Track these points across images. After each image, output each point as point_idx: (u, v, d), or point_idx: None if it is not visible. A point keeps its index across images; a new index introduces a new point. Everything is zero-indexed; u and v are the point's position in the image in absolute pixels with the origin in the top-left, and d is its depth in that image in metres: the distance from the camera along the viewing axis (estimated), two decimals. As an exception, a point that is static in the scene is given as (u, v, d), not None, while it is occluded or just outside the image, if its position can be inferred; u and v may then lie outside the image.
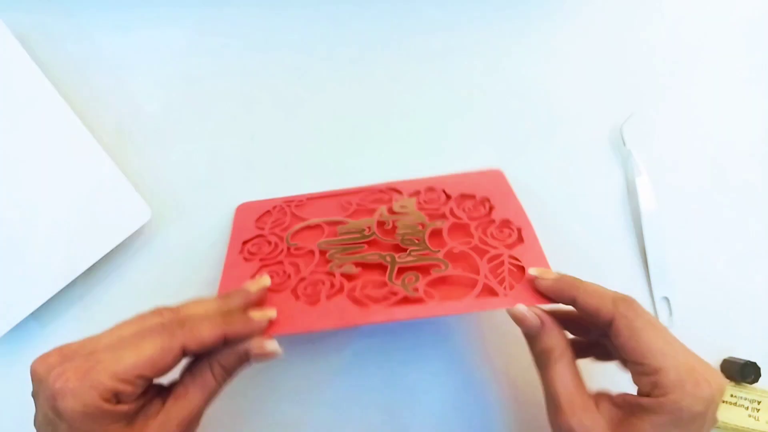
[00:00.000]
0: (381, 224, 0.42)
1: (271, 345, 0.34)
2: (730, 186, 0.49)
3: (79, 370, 0.29)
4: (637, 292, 0.46)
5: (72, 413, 0.28)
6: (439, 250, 0.39)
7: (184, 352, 0.31)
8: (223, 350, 0.33)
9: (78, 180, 0.45)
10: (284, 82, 0.50)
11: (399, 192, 0.46)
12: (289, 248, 0.41)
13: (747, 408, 0.45)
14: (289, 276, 0.39)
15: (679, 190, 0.48)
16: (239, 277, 0.39)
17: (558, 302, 0.35)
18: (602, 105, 0.50)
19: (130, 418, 0.31)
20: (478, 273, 0.37)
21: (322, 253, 0.40)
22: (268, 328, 0.35)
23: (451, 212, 0.43)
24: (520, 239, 0.40)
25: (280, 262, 0.40)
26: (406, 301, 0.36)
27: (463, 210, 0.43)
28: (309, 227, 0.43)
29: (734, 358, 0.46)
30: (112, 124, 0.48)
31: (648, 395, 0.31)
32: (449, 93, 0.50)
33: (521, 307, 0.35)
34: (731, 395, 0.45)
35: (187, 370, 0.33)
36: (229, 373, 0.34)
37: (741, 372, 0.44)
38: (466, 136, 0.49)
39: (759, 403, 0.45)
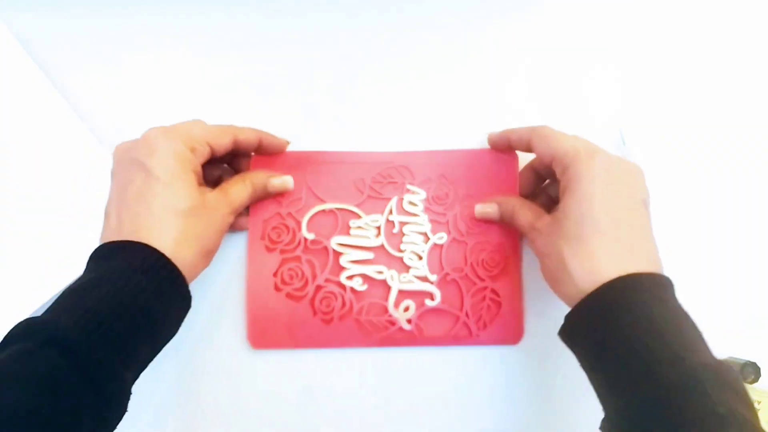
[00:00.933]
0: (390, 225, 0.47)
1: (290, 182, 0.46)
2: (730, 185, 0.50)
3: (167, 130, 0.41)
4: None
5: (164, 151, 0.39)
6: (435, 276, 0.46)
7: (234, 141, 0.43)
8: (256, 171, 0.45)
9: (77, 181, 0.45)
10: (296, 79, 0.50)
11: (412, 175, 0.47)
12: (306, 240, 0.46)
13: None
14: (307, 279, 0.46)
15: (679, 190, 0.49)
16: (264, 271, 0.46)
17: (501, 145, 0.46)
18: (602, 104, 0.50)
19: (198, 177, 0.42)
20: (461, 309, 0.46)
21: (336, 254, 0.46)
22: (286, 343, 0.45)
23: (455, 222, 0.47)
24: (506, 270, 0.47)
25: (298, 258, 0.46)
26: (400, 330, 0.46)
27: (466, 222, 0.47)
28: (324, 212, 0.47)
29: (734, 358, 0.46)
30: (113, 124, 0.48)
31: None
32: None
33: (479, 208, 0.46)
34: None
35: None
36: (255, 190, 0.45)
37: (741, 372, 0.45)
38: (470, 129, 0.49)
39: (759, 403, 0.45)
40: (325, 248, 0.46)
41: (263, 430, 0.46)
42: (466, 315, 0.46)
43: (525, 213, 0.44)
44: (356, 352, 0.46)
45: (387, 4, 0.51)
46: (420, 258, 0.47)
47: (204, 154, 0.42)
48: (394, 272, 0.46)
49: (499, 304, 0.46)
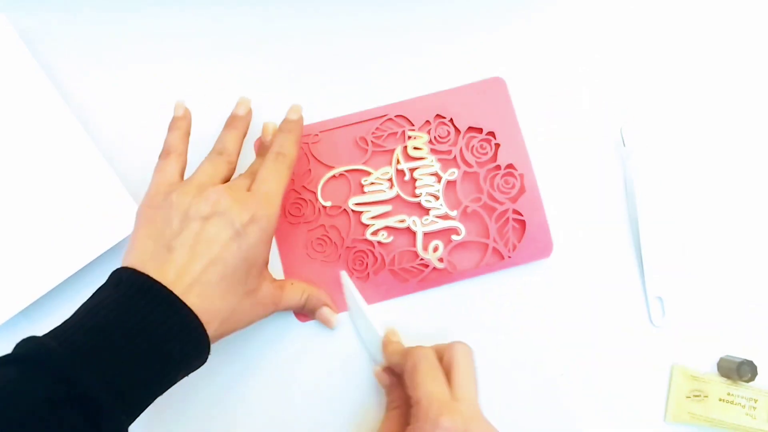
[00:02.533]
0: (401, 174, 0.48)
1: (335, 321, 0.46)
2: (728, 186, 0.50)
3: (263, 201, 0.40)
4: (631, 291, 0.48)
5: (266, 225, 0.39)
6: (455, 211, 0.47)
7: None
8: (318, 289, 0.46)
9: (72, 181, 0.45)
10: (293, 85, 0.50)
11: (410, 122, 0.48)
12: (324, 208, 0.47)
13: (744, 406, 0.46)
14: (335, 244, 0.47)
15: (677, 191, 0.49)
16: (294, 246, 0.47)
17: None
18: (602, 104, 0.50)
19: None
20: (488, 236, 0.47)
21: (356, 214, 0.47)
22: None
23: (462, 156, 0.48)
24: (523, 189, 0.47)
25: (322, 226, 0.47)
26: (435, 271, 0.47)
27: (472, 153, 0.48)
28: (334, 177, 0.48)
29: (731, 356, 0.47)
30: (113, 127, 0.49)
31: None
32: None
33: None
34: (728, 393, 0.46)
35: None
36: (305, 306, 0.45)
37: (738, 370, 0.45)
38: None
39: (756, 401, 0.46)
40: (345, 211, 0.48)
41: (319, 395, 0.47)
42: (494, 241, 0.47)
43: None
44: (396, 302, 0.47)
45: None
46: (437, 198, 0.48)
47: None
48: (415, 218, 0.47)
49: (523, 223, 0.47)
